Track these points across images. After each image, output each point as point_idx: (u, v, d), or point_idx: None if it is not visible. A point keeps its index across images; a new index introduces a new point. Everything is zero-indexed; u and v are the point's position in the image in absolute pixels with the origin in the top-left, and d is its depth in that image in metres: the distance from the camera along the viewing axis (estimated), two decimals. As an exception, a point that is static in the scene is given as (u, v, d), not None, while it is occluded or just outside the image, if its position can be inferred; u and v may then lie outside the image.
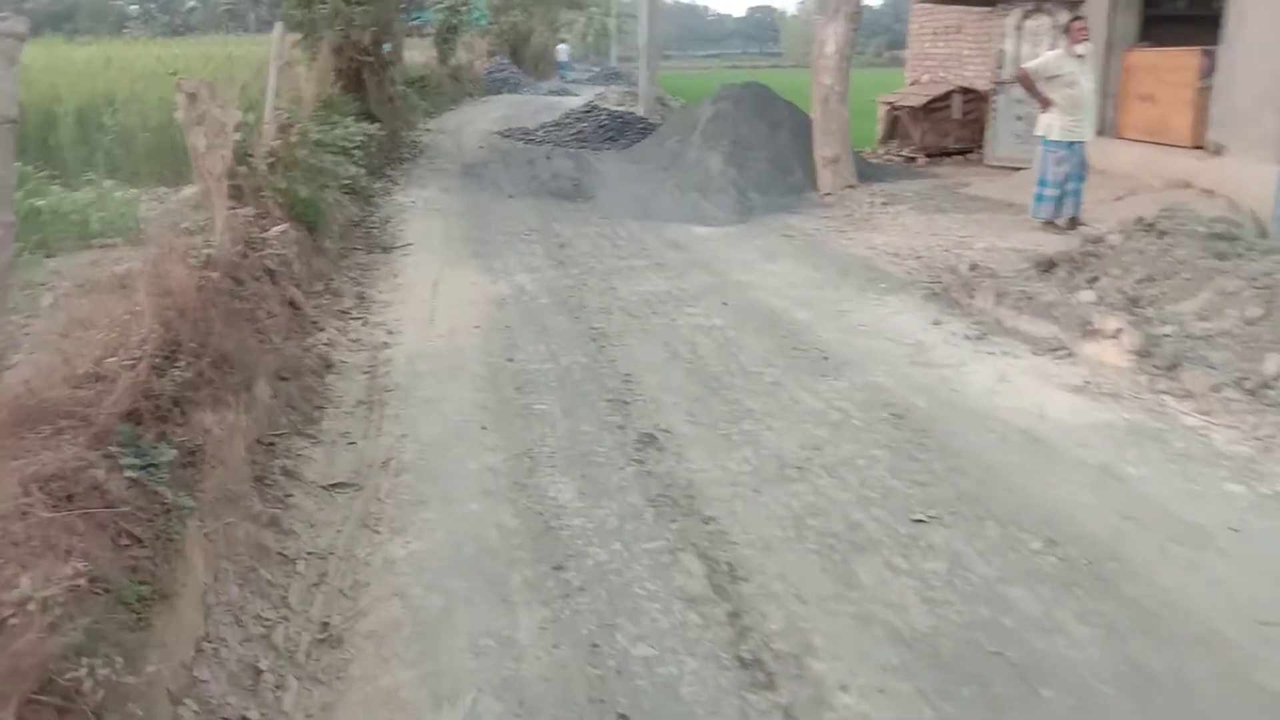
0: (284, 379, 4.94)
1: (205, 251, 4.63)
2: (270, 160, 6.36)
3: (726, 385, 5.10)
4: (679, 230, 9.66)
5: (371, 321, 6.33)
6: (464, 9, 27.20)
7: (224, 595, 3.02)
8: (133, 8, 66.60)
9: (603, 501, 3.80)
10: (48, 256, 5.46)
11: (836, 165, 12.01)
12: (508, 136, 17.65)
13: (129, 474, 2.83)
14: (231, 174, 6.18)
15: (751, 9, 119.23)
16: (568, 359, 5.55)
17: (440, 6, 27.25)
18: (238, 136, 6.30)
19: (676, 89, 27.83)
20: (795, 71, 52.73)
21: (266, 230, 6.19)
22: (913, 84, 17.41)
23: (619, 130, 17.55)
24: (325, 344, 5.80)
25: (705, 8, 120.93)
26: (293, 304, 5.93)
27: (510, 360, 5.54)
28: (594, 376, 5.27)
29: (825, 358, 5.56)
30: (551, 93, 31.10)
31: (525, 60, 39.47)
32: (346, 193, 10.15)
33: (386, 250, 8.71)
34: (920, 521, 3.67)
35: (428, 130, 18.62)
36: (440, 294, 7.08)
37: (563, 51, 43.40)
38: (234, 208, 6.26)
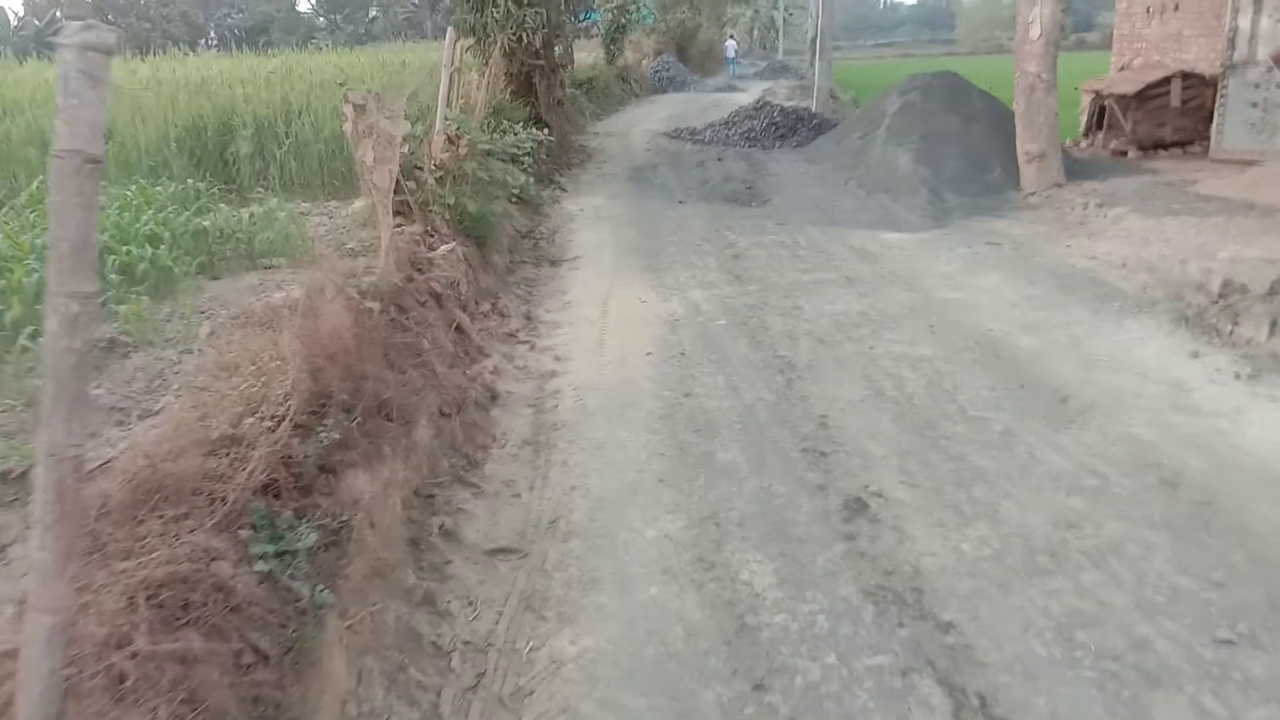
0: (446, 415, 4.54)
1: (366, 279, 4.27)
2: (439, 174, 6.03)
3: (946, 435, 4.29)
4: (867, 237, 8.80)
5: (539, 346, 5.89)
6: (632, 8, 26.99)
7: (368, 703, 2.56)
8: (320, 20, 70.95)
9: (808, 592, 3.12)
10: (213, 279, 5.30)
11: (1043, 162, 10.76)
12: (675, 138, 17.15)
13: (260, 566, 2.40)
14: (398, 189, 5.88)
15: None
16: (751, 394, 4.89)
17: (609, 6, 27.17)
18: (405, 149, 6.00)
19: (848, 81, 26.63)
20: (974, 60, 49.87)
21: (434, 249, 5.86)
22: (1122, 69, 15.64)
23: (791, 127, 16.69)
24: (491, 372, 5.39)
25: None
26: (459, 328, 5.56)
27: (687, 395, 4.94)
28: (783, 418, 4.59)
29: (1064, 399, 4.65)
30: (718, 90, 30.47)
31: (691, 57, 39.00)
32: (515, 202, 9.88)
33: (555, 264, 8.32)
34: (1229, 643, 2.79)
35: (595, 133, 18.39)
36: (610, 313, 6.58)
37: (730, 47, 42.65)
38: (400, 225, 5.97)
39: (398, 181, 5.92)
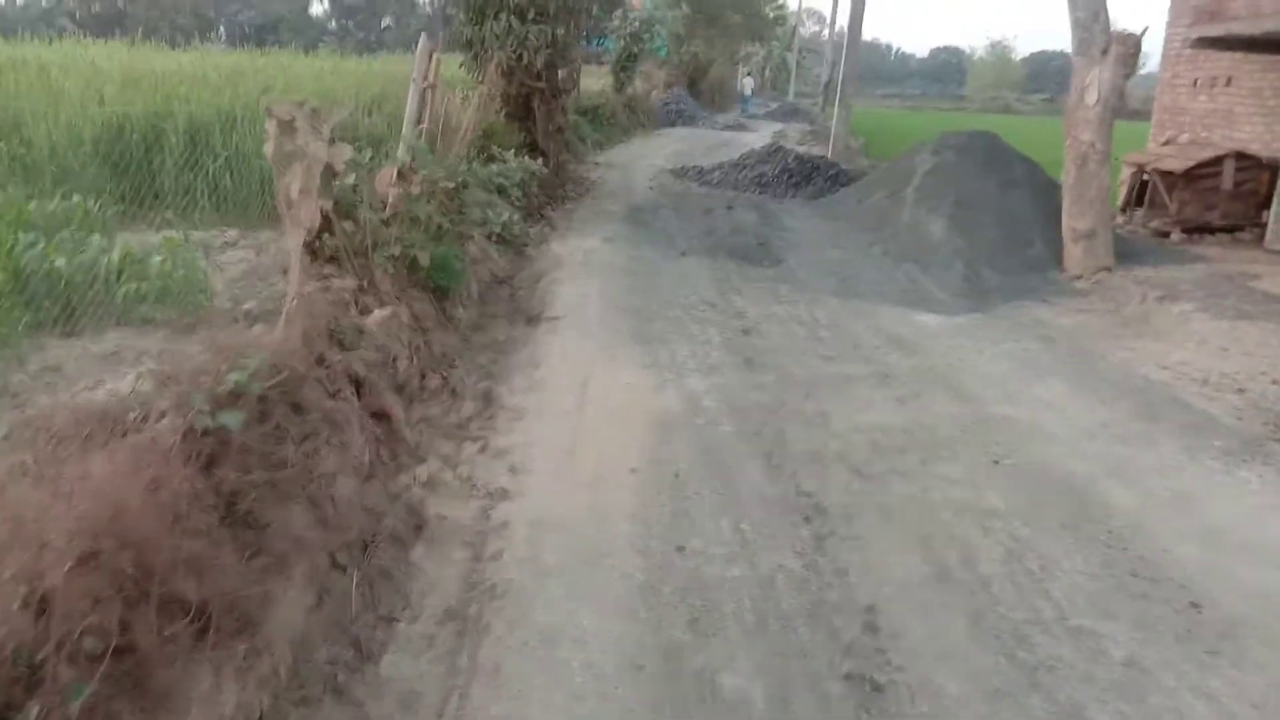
0: (340, 567, 3.22)
1: (234, 378, 2.96)
2: (386, 214, 4.76)
3: (1047, 662, 3.00)
4: (897, 316, 7.55)
5: (492, 447, 4.57)
6: (646, 37, 25.98)
7: None
8: (331, 24, 70.10)
9: None
10: (66, 335, 3.98)
11: (1091, 242, 9.59)
12: (681, 176, 15.97)
13: None
14: (329, 230, 4.60)
15: (935, 49, 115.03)
16: (769, 559, 3.58)
17: (621, 33, 26.16)
18: (348, 180, 4.73)
19: (856, 128, 25.43)
20: (984, 118, 49.18)
21: (368, 312, 4.57)
22: (1165, 143, 14.59)
23: (806, 176, 15.53)
24: (423, 485, 4.08)
25: (889, 46, 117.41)
26: (387, 423, 4.25)
27: (680, 550, 3.63)
28: (815, 607, 3.28)
29: (1196, 605, 3.37)
30: (728, 127, 29.45)
31: (702, 92, 38.12)
32: (496, 241, 8.62)
33: (531, 322, 7.02)
34: None
35: (596, 164, 17.20)
36: (588, 402, 5.28)
37: (748, 85, 42.05)
38: (329, 278, 4.68)
39: (329, 222, 4.65)
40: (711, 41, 40.20)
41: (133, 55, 12.02)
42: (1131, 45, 9.52)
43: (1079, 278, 9.38)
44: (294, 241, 4.02)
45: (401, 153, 5.90)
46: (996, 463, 4.61)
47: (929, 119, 42.51)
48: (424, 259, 4.97)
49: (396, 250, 4.73)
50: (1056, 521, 4.00)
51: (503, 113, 11.93)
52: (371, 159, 4.84)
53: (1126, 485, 4.41)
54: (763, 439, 4.78)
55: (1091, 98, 9.76)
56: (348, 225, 4.65)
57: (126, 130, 6.78)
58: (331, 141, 4.62)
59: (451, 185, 5.73)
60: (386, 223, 4.76)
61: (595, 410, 5.14)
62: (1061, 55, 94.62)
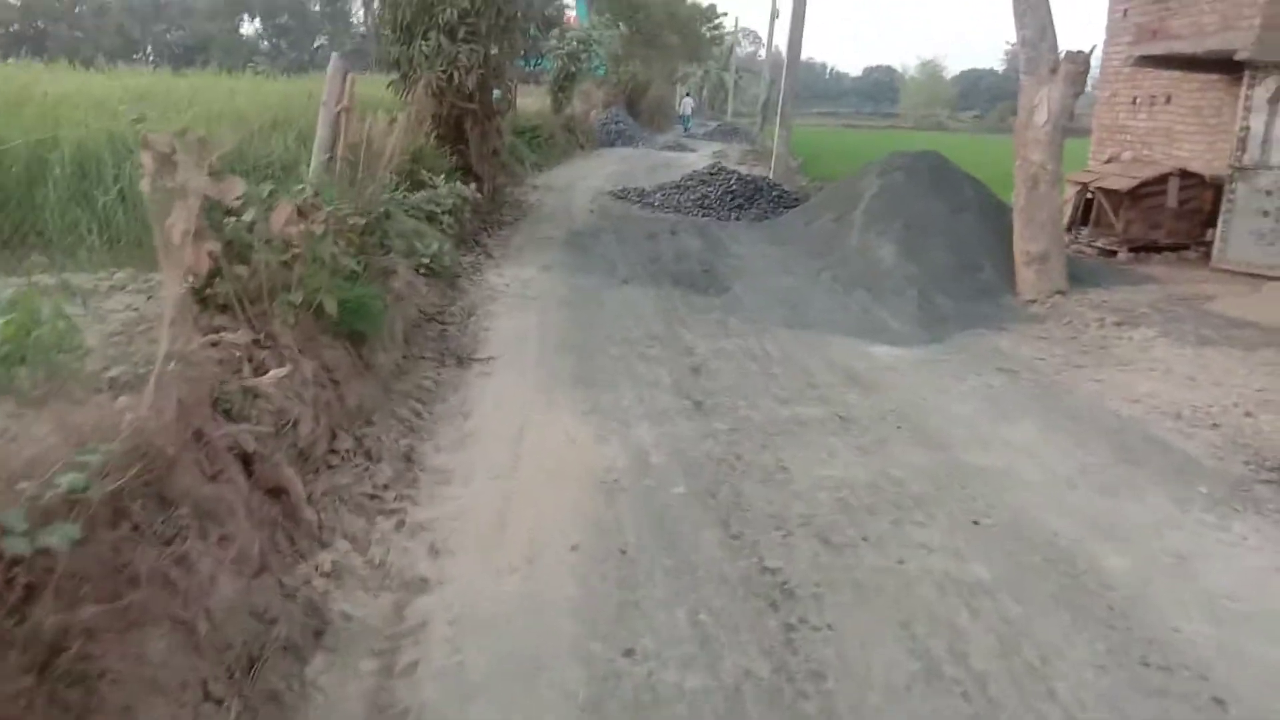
0: (215, 699, 2.63)
1: (67, 480, 2.36)
2: (287, 255, 4.16)
3: (1067, 792, 2.53)
4: (851, 349, 7.15)
5: (412, 521, 3.99)
6: (584, 56, 25.58)
7: None
8: (263, 44, 68.47)
9: None
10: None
11: (1044, 265, 9.34)
12: (622, 198, 15.53)
13: None
14: (218, 275, 4.00)
15: (869, 69, 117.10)
16: (733, 662, 3.07)
17: (558, 53, 25.71)
18: (245, 218, 4.13)
19: (793, 147, 25.29)
20: (918, 135, 49.90)
21: (263, 370, 3.96)
22: (1108, 160, 14.58)
23: (749, 197, 15.22)
24: (326, 574, 3.48)
25: (824, 65, 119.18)
26: (283, 500, 3.65)
27: (628, 654, 3.09)
28: (790, 722, 2.77)
29: (1221, 704, 2.94)
30: (668, 148, 29.19)
31: (641, 112, 37.87)
32: (425, 274, 8.03)
33: (462, 363, 6.45)
34: None
35: (534, 187, 16.67)
36: (524, 459, 4.72)
37: (687, 105, 42.15)
38: (219, 330, 4.06)
39: (218, 267, 4.04)
40: (649, 61, 39.99)
41: (32, 76, 11.16)
42: (1081, 63, 9.33)
43: (1033, 302, 9.12)
44: (170, 291, 3.43)
45: (313, 178, 5.30)
46: (976, 523, 4.17)
47: (865, 138, 42.95)
48: (331, 305, 4.38)
49: (298, 297, 4.13)
50: (1049, 595, 3.56)
51: (433, 135, 11.34)
52: (273, 192, 4.24)
53: (1118, 546, 4.00)
54: (719, 501, 4.28)
55: (1041, 117, 9.55)
56: (241, 270, 4.05)
57: (6, 159, 6.06)
58: (219, 174, 4.02)
59: (364, 220, 5.15)
60: (287, 265, 4.17)
61: (531, 469, 4.59)
62: (991, 73, 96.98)
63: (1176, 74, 13.38)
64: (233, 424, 3.53)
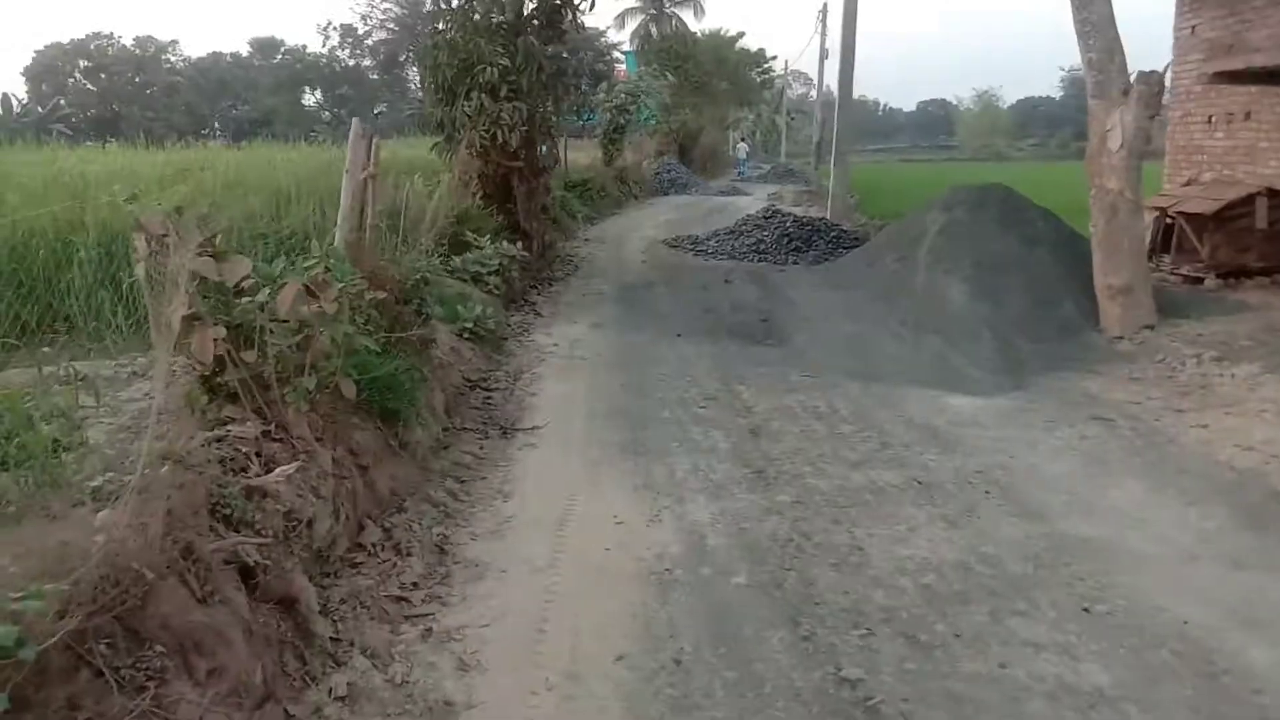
0: None
1: (26, 603, 1.98)
2: (298, 337, 3.82)
3: None
4: (926, 402, 6.57)
5: (440, 628, 3.56)
6: (633, 108, 25.56)
7: None
8: (325, 114, 70.63)
9: None
10: None
11: (1129, 298, 8.65)
12: (675, 247, 15.17)
13: None
14: (228, 363, 3.67)
15: (922, 103, 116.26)
16: (810, 806, 2.54)
17: (608, 106, 25.74)
18: (258, 298, 3.81)
19: (852, 185, 24.74)
20: (977, 166, 48.88)
21: (272, 465, 3.60)
22: (1187, 184, 13.75)
23: (806, 240, 14.74)
24: (341, 698, 3.06)
25: (876, 101, 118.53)
26: (296, 607, 3.26)
27: (687, 800, 2.59)
28: None
29: None
30: (721, 193, 28.88)
31: (694, 159, 37.76)
32: (469, 338, 7.71)
33: (506, 434, 6.06)
34: None
35: (585, 240, 16.44)
36: (566, 547, 4.27)
37: (743, 149, 42.29)
38: (225, 422, 3.73)
39: (228, 354, 3.72)
40: (700, 109, 40.04)
41: (82, 156, 11.31)
42: (1155, 84, 8.72)
43: (1120, 339, 8.43)
44: (159, 384, 3.10)
45: (314, 261, 5.01)
46: (1087, 610, 3.58)
47: (922, 172, 42.18)
48: (348, 389, 4.02)
49: (311, 382, 3.78)
50: (1185, 703, 2.96)
51: (479, 195, 11.15)
52: (286, 270, 3.92)
53: (1262, 635, 3.37)
54: (786, 594, 3.76)
55: (1115, 143, 8.93)
56: (250, 355, 3.73)
57: (33, 244, 5.93)
58: (223, 254, 3.72)
59: (383, 294, 4.81)
60: (300, 347, 3.84)
61: (574, 561, 4.13)
62: (1048, 100, 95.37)
63: (1255, 89, 12.59)
64: (233, 532, 3.16)
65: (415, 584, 3.91)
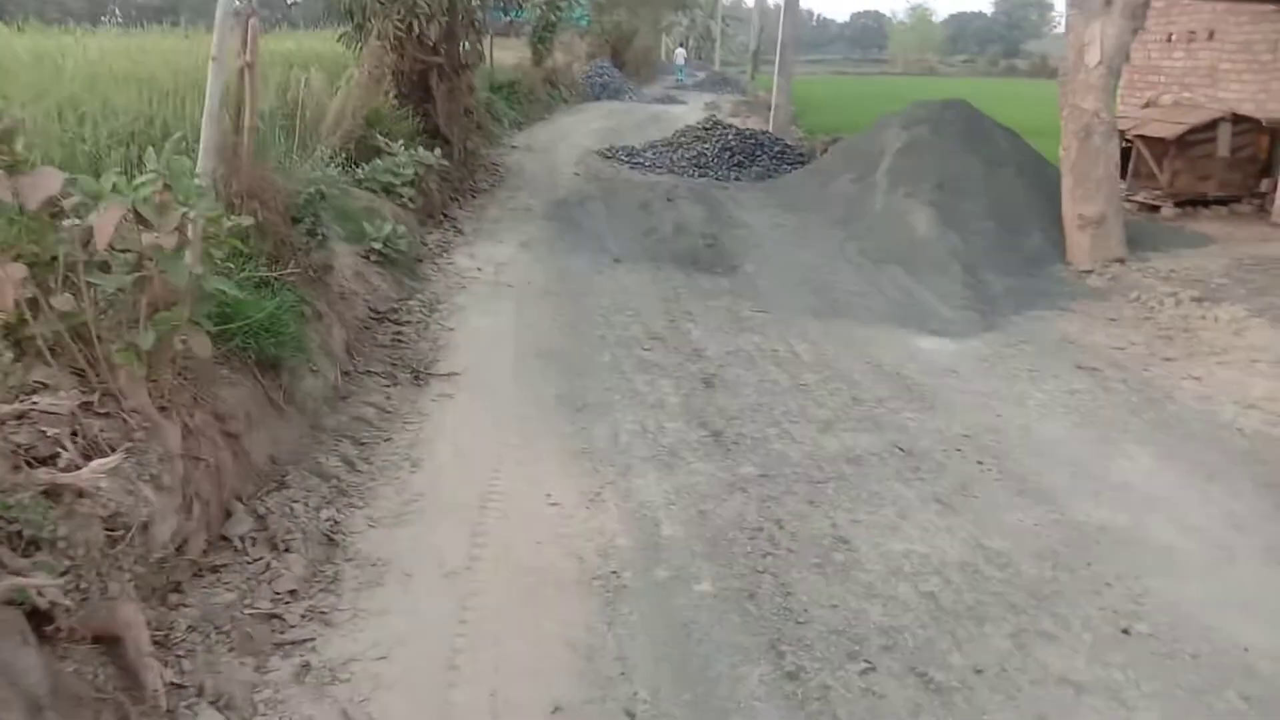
0: None
1: None
2: (129, 278, 2.85)
3: None
4: (896, 344, 5.89)
5: (320, 663, 2.73)
6: (565, 5, 23.86)
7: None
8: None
9: None
10: None
11: (1101, 229, 8.06)
12: (610, 158, 14.09)
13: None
14: (39, 310, 2.71)
15: (856, 14, 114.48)
16: None
17: (537, 1, 23.98)
18: (80, 221, 2.82)
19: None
20: (910, 81, 48.05)
21: (87, 456, 2.67)
22: (1145, 105, 13.20)
23: (749, 154, 13.83)
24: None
25: (809, 12, 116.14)
26: (120, 645, 2.40)
27: None
28: None
29: None
30: (656, 100, 27.53)
31: (627, 63, 36.03)
32: (379, 260, 6.71)
33: (418, 379, 5.17)
34: None
35: (514, 147, 15.20)
36: (488, 541, 3.46)
37: (680, 55, 40.95)
38: (34, 390, 2.78)
39: (34, 302, 2.74)
40: (635, 10, 38.07)
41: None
42: (1144, -8, 7.96)
43: (1089, 272, 7.86)
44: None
45: (205, 165, 3.96)
46: (1126, 632, 2.94)
47: (857, 85, 41.21)
48: (201, 345, 3.07)
49: (148, 339, 2.83)
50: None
51: (392, 94, 9.90)
52: (118, 188, 2.91)
53: (1338, 667, 2.78)
54: (761, 607, 3.03)
55: (1093, 57, 8.19)
56: (64, 301, 2.76)
57: None
58: (22, 164, 2.71)
59: (262, 216, 3.81)
60: (140, 283, 2.87)
61: (497, 559, 3.33)
62: (980, 16, 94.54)
63: (1220, 6, 11.98)
64: (21, 558, 2.25)
65: (293, 592, 3.07)
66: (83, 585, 2.39)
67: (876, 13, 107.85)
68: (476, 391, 5.00)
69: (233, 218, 3.21)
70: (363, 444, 4.28)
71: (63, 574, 2.33)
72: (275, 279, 4.52)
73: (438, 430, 4.48)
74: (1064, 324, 6.47)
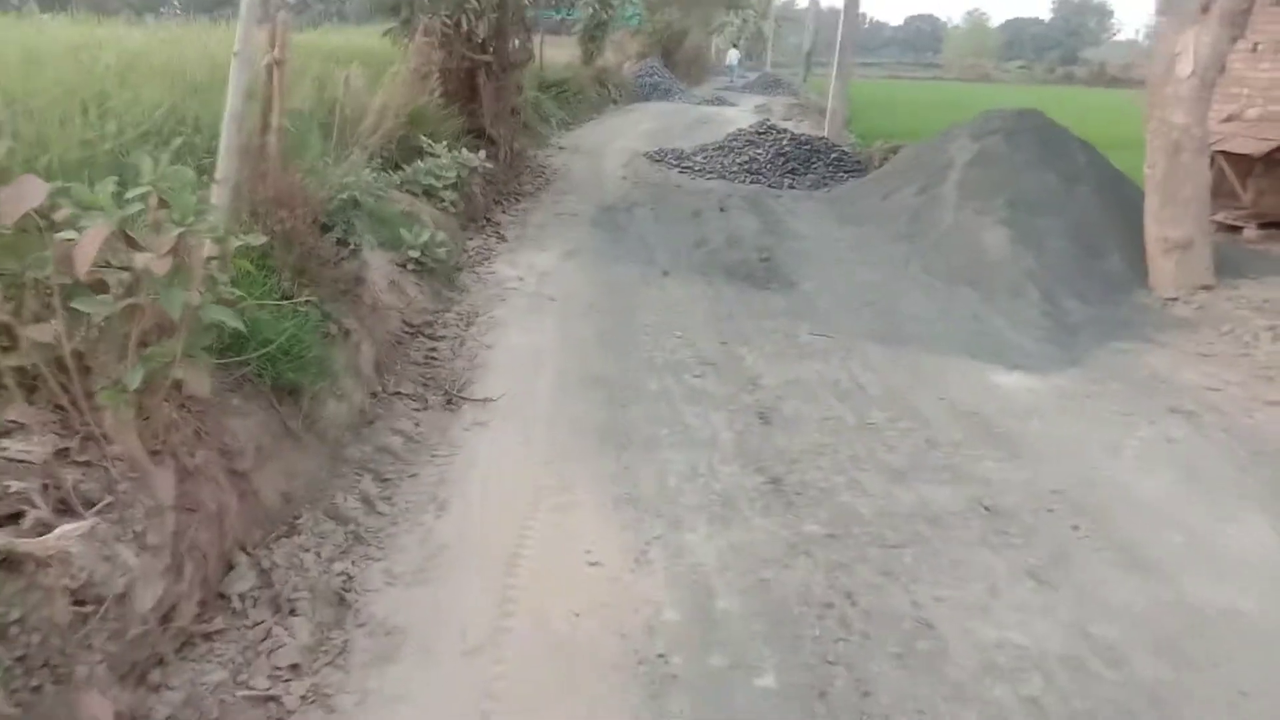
0: None
1: None
2: (115, 307, 2.48)
3: None
4: (970, 378, 5.38)
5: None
6: (617, 3, 23.47)
7: None
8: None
9: None
10: None
11: (1187, 254, 7.44)
12: (659, 161, 13.67)
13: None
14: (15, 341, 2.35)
15: (910, 18, 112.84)
16: None
17: (589, 0, 23.63)
18: (63, 235, 2.46)
19: (827, 96, 23.09)
20: (966, 87, 46.83)
21: (60, 511, 2.31)
22: (1227, 119, 12.45)
23: (804, 161, 13.32)
24: None
25: (863, 15, 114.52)
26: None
27: None
28: None
29: None
30: (706, 102, 27.02)
31: (677, 63, 35.58)
32: (416, 269, 6.36)
33: (451, 403, 4.79)
34: None
35: (561, 148, 14.84)
36: (517, 610, 3.05)
37: (733, 55, 40.75)
38: (6, 431, 2.42)
39: (9, 330, 2.38)
40: (686, 9, 37.58)
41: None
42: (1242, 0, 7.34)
43: (1174, 300, 7.25)
44: None
45: (227, 172, 3.62)
46: (1277, 761, 2.45)
47: (911, 89, 40.32)
48: (199, 383, 2.70)
49: (135, 377, 2.46)
50: None
51: (437, 93, 9.58)
52: (121, 189, 2.55)
53: None
54: (834, 710, 2.59)
55: (1185, 69, 7.59)
56: (42, 331, 2.41)
57: None
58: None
59: (288, 223, 3.43)
60: (130, 314, 2.51)
61: (527, 633, 2.91)
62: (1036, 22, 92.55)
63: (1315, 13, 11.23)
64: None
65: (295, 666, 2.68)
66: (33, 684, 2.02)
67: (931, 16, 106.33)
68: (512, 421, 4.60)
69: (243, 236, 2.83)
70: (386, 480, 3.90)
71: (8, 667, 1.96)
72: (303, 290, 4.16)
73: (468, 466, 4.08)
74: (1152, 359, 5.91)
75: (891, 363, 5.59)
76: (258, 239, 2.91)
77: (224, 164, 3.70)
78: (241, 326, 2.71)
